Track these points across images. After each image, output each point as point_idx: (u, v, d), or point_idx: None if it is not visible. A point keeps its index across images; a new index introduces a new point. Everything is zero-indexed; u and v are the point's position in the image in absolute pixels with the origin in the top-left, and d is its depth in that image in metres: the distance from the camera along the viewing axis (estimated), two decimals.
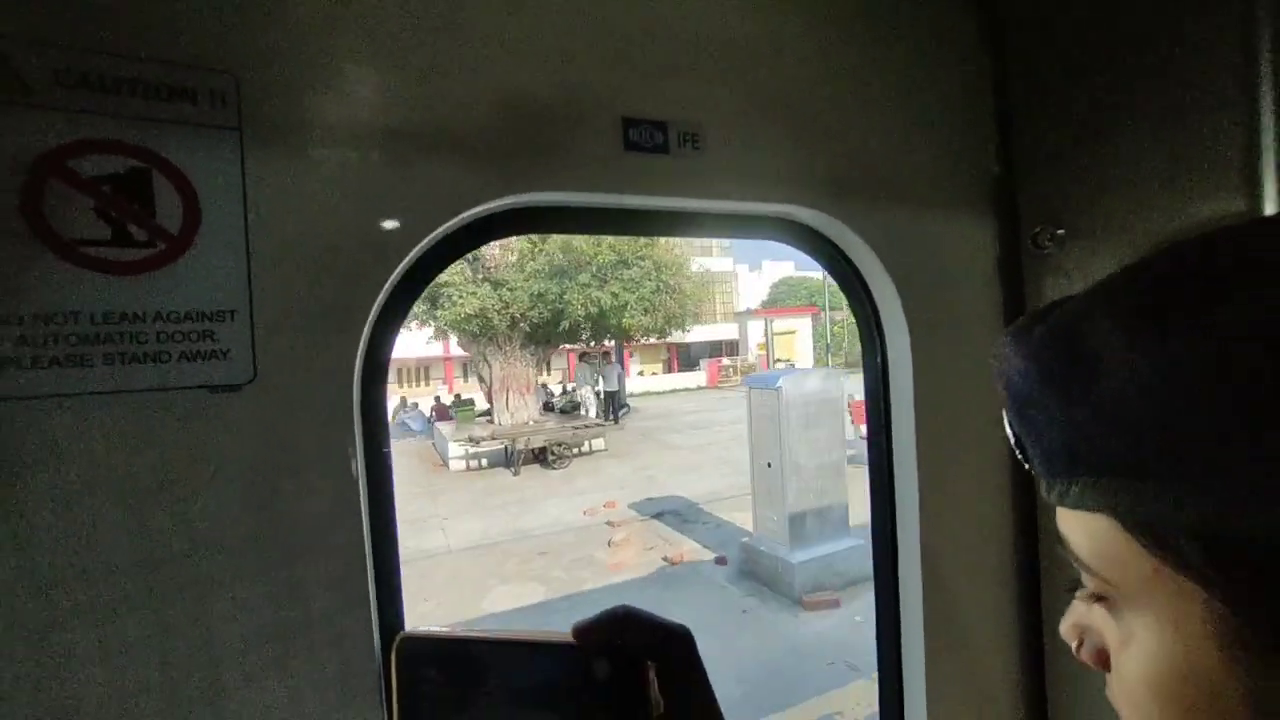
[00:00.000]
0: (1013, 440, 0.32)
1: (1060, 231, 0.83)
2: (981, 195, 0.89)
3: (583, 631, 0.35)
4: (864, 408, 0.87)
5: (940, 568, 0.82)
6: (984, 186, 0.89)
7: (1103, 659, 0.31)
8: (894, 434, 0.82)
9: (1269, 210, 0.64)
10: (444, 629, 0.42)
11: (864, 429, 1.11)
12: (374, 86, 0.54)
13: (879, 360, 0.83)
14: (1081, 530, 0.29)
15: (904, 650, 0.83)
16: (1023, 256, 0.87)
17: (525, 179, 0.61)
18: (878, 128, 0.81)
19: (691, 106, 0.67)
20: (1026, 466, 0.32)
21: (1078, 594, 0.32)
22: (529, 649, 0.38)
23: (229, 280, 0.49)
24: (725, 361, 25.99)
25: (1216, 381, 0.23)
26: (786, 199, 0.75)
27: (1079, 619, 0.32)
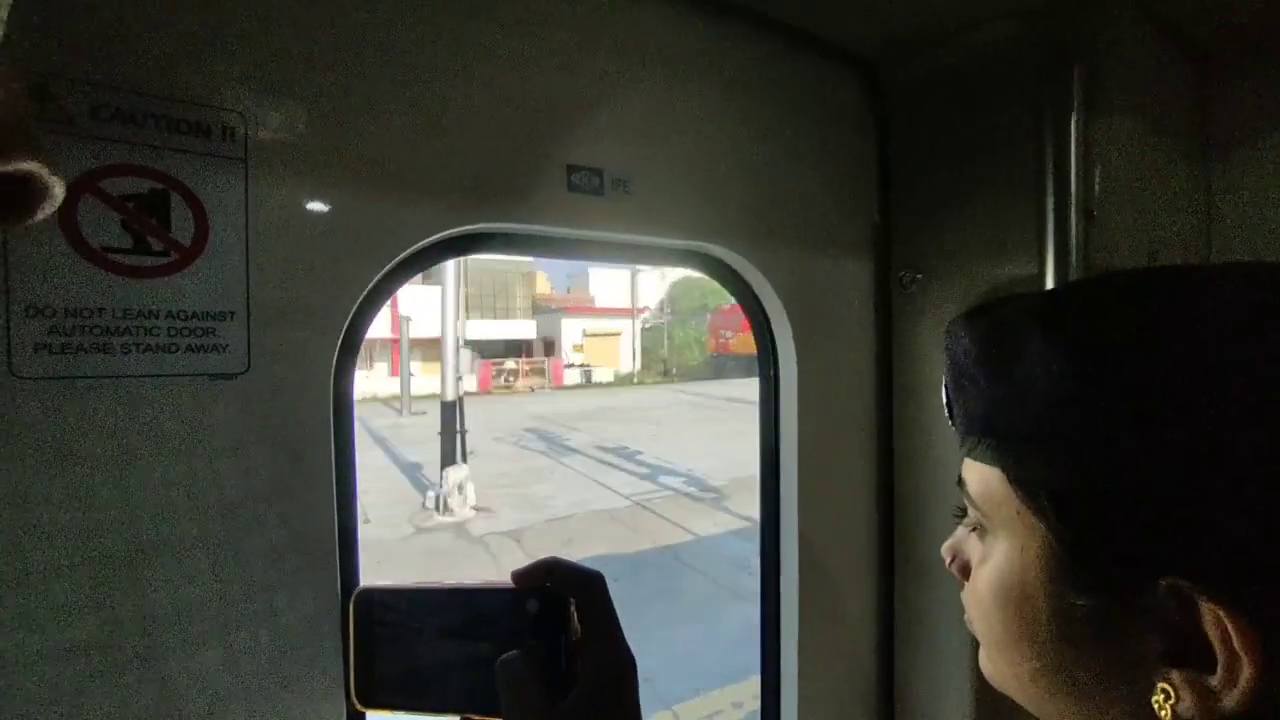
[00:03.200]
0: (945, 402, 0.40)
1: (920, 275, 1.03)
2: (863, 240, 1.08)
3: (519, 576, 0.45)
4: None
5: (814, 550, 0.99)
6: (865, 233, 1.08)
7: (966, 571, 0.40)
8: (781, 438, 0.99)
9: (1049, 269, 0.85)
10: (397, 583, 0.51)
11: None
12: (359, 126, 0.65)
13: (772, 374, 1.00)
14: (978, 477, 0.36)
15: (782, 619, 1.00)
16: (892, 294, 1.06)
17: (486, 210, 0.73)
18: (779, 179, 0.98)
19: (624, 158, 0.81)
20: (951, 424, 0.39)
21: (963, 522, 0.41)
22: (474, 594, 0.47)
23: (230, 285, 0.58)
24: (510, 365, 23.58)
25: (1091, 384, 0.30)
26: (702, 237, 0.90)
27: (957, 541, 0.42)
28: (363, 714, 0.70)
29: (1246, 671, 0.26)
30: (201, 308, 0.57)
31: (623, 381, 25.65)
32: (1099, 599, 0.31)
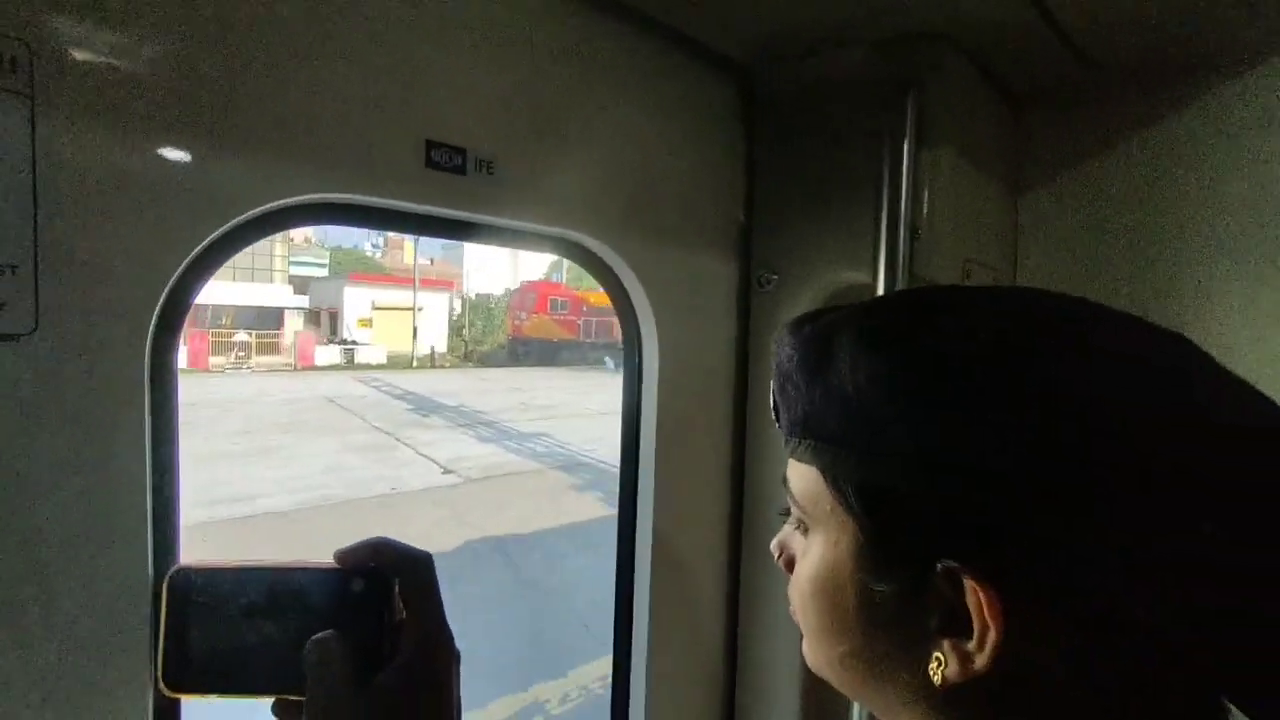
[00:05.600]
0: (772, 405, 0.42)
1: (775, 276, 1.10)
2: (728, 239, 1.14)
3: (343, 555, 0.44)
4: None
5: (668, 534, 1.04)
6: (731, 232, 1.14)
7: (791, 565, 0.43)
8: (640, 427, 1.03)
9: (880, 279, 0.95)
10: (218, 562, 0.48)
11: None
12: (188, 73, 0.60)
13: (636, 367, 1.03)
14: (799, 476, 0.40)
15: (635, 604, 1.04)
16: (751, 292, 1.14)
17: (335, 179, 0.70)
18: (651, 174, 1.01)
19: (489, 139, 0.81)
20: (777, 425, 0.41)
21: (788, 520, 0.44)
22: (297, 573, 0.45)
23: (9, 237, 0.52)
24: (244, 337, 20.37)
25: (882, 392, 0.34)
26: (570, 225, 0.92)
27: (783, 538, 0.45)
28: (174, 703, 0.65)
29: (993, 635, 0.31)
30: None
31: (400, 364, 22.66)
32: (895, 585, 0.35)
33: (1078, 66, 1.07)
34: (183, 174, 0.60)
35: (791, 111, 1.10)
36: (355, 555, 0.44)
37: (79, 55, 0.54)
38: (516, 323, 25.47)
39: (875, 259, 0.95)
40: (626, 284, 1.01)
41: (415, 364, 22.90)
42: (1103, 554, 0.31)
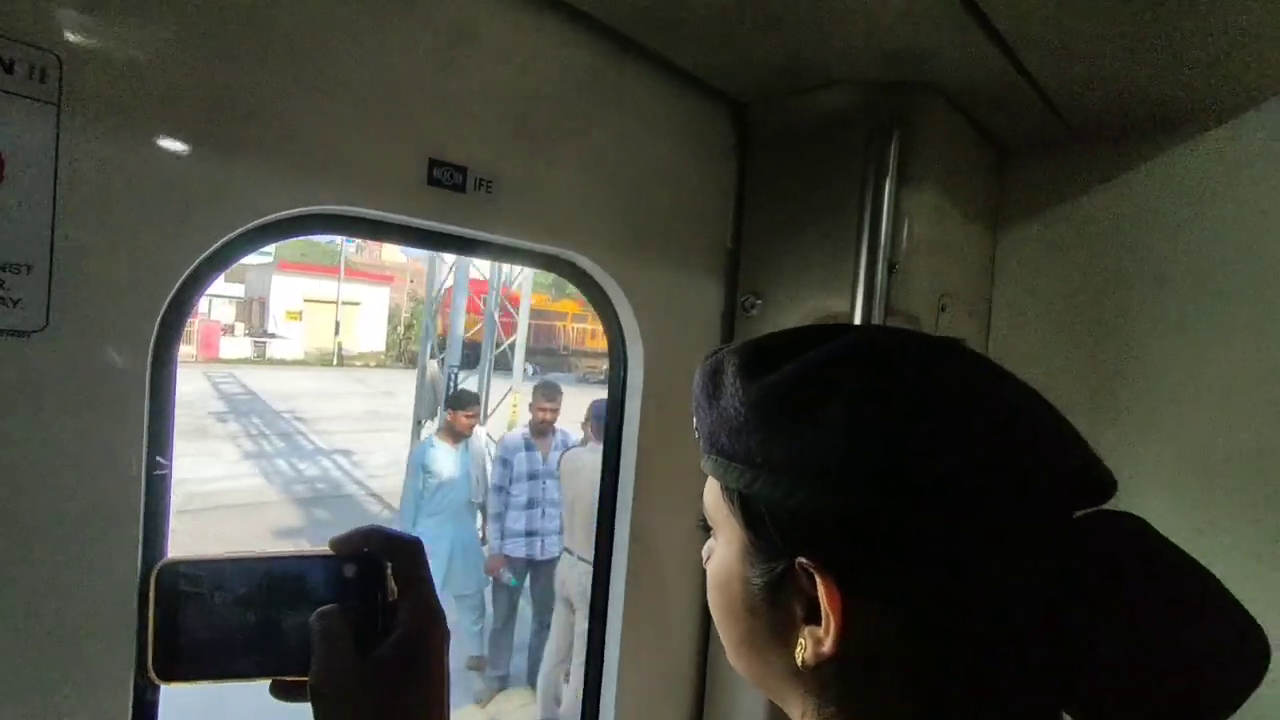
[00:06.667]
0: (694, 425, 0.48)
1: (760, 300, 1.15)
2: (716, 263, 1.18)
3: (338, 543, 0.48)
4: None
5: (644, 549, 1.07)
6: (719, 256, 1.18)
7: None
8: (623, 439, 1.06)
9: (858, 308, 0.99)
10: (207, 554, 0.50)
11: None
12: (207, 86, 0.63)
13: (621, 379, 1.07)
14: (708, 488, 0.46)
15: (609, 610, 1.07)
16: (735, 315, 1.18)
17: (340, 192, 0.73)
18: (644, 197, 1.05)
19: (489, 159, 0.84)
20: (698, 442, 0.47)
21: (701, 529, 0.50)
22: (290, 560, 0.48)
23: (28, 236, 0.54)
24: None
25: (759, 414, 0.40)
26: (564, 244, 0.95)
27: (709, 545, 0.50)
28: (154, 695, 0.67)
29: (834, 624, 0.37)
30: None
31: (319, 360, 21.21)
32: (766, 578, 0.41)
33: (1056, 121, 1.13)
34: (193, 181, 0.63)
35: (782, 144, 1.15)
36: (348, 542, 0.48)
37: (104, 66, 0.57)
38: (446, 322, 24.37)
39: (854, 289, 0.99)
40: (615, 302, 1.05)
41: (337, 362, 21.55)
42: (921, 558, 0.36)
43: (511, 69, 0.87)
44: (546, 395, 4.12)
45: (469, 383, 6.67)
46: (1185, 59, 0.90)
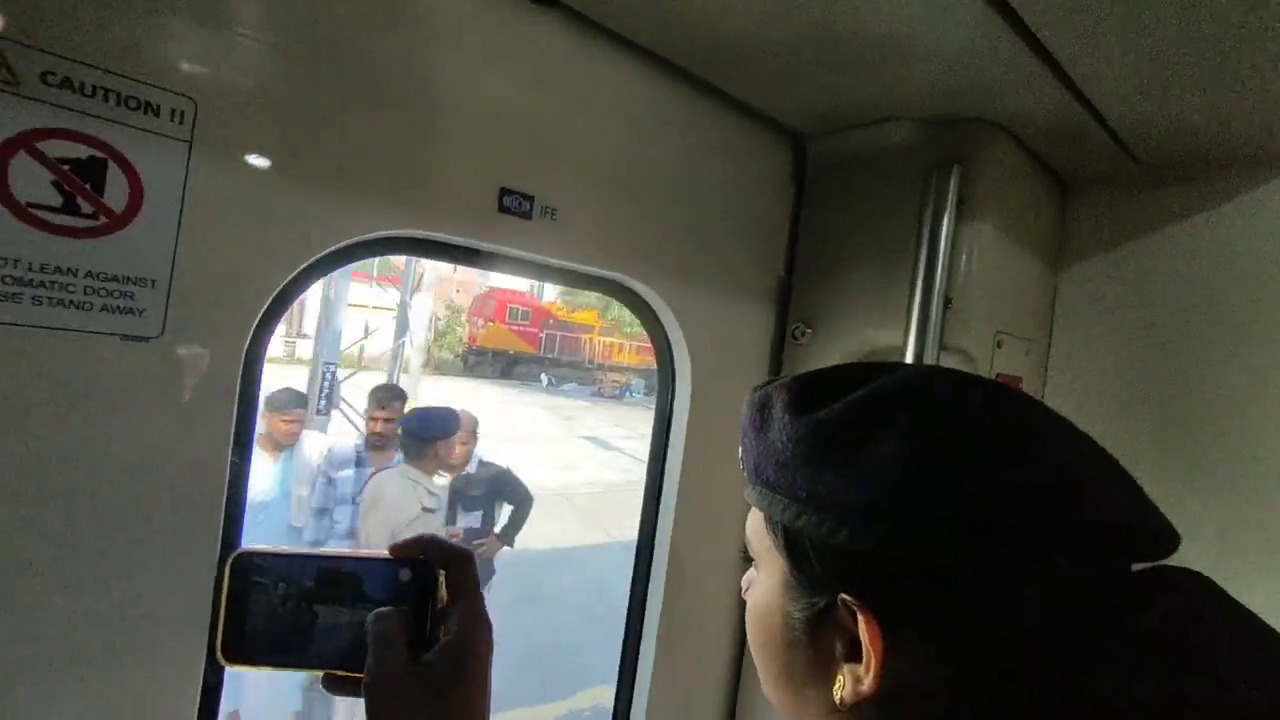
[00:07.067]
0: (740, 456, 0.48)
1: (810, 330, 1.15)
2: (768, 292, 1.19)
3: (397, 549, 0.50)
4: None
5: (683, 573, 1.09)
6: (771, 285, 1.20)
7: None
8: (668, 460, 1.08)
9: (910, 343, 0.99)
10: (279, 547, 0.52)
11: None
12: (301, 128, 0.70)
13: (669, 402, 1.09)
14: (752, 518, 0.46)
15: (646, 617, 1.08)
16: (785, 343, 1.18)
17: (419, 218, 0.79)
18: (701, 225, 1.08)
19: (555, 188, 0.89)
20: (743, 472, 0.47)
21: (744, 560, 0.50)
22: (351, 561, 0.51)
23: (156, 255, 0.61)
24: None
25: (806, 449, 0.40)
26: (621, 270, 0.99)
27: (749, 575, 0.50)
28: (220, 678, 0.72)
29: (875, 661, 0.37)
30: (123, 272, 0.60)
31: (345, 363, 20.19)
32: (808, 612, 0.41)
33: (1123, 157, 1.11)
34: (288, 208, 0.70)
35: (840, 177, 1.16)
36: (406, 548, 0.50)
37: (228, 108, 0.64)
38: (474, 330, 22.73)
39: (907, 323, 0.99)
40: (666, 326, 1.08)
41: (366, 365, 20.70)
42: (968, 599, 0.36)
43: (581, 103, 0.92)
44: (382, 400, 3.21)
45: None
46: (1261, 98, 0.87)
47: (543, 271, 0.96)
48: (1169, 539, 0.37)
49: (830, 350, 1.12)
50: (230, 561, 0.50)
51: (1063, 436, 0.39)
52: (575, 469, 10.41)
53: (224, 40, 0.64)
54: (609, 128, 0.96)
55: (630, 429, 15.02)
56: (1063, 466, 0.38)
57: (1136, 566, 0.37)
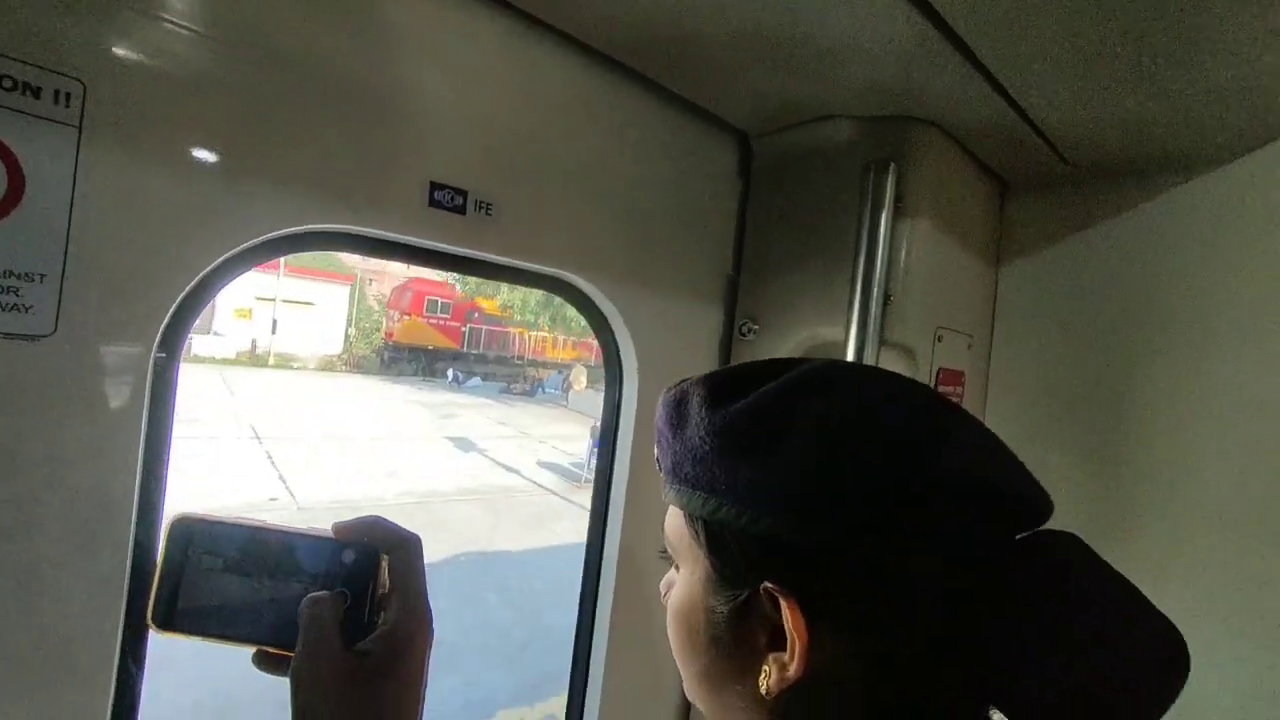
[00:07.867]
0: (656, 457, 0.48)
1: (756, 327, 1.15)
2: (715, 290, 1.19)
3: (340, 529, 0.49)
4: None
5: (633, 566, 1.07)
6: (718, 283, 1.20)
7: None
8: (615, 458, 1.07)
9: (852, 337, 0.99)
10: (220, 515, 0.49)
11: None
12: (216, 115, 0.67)
13: (616, 401, 1.08)
14: (671, 516, 0.46)
15: (596, 617, 1.07)
16: (733, 341, 1.18)
17: (344, 212, 0.76)
18: (645, 222, 1.07)
19: (490, 183, 0.87)
20: (660, 472, 0.48)
21: (664, 559, 0.50)
22: (293, 537, 0.49)
23: (43, 248, 0.57)
24: None
25: (724, 442, 0.40)
26: (563, 266, 0.97)
27: (669, 577, 0.50)
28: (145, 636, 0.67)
29: (799, 644, 0.37)
30: (3, 265, 0.56)
31: (252, 361, 19.46)
32: (730, 605, 0.40)
33: (1056, 159, 1.14)
34: (201, 199, 0.66)
35: (783, 174, 1.17)
36: (351, 529, 0.48)
37: (121, 92, 0.61)
38: (390, 324, 21.39)
39: (848, 319, 1.00)
40: (613, 324, 1.06)
41: (273, 363, 19.76)
42: (876, 581, 0.37)
43: (514, 95, 0.90)
44: None
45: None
46: (1189, 100, 0.90)
47: (481, 268, 0.94)
48: (1048, 506, 0.39)
49: (777, 346, 1.13)
50: (169, 526, 0.48)
51: (964, 421, 0.40)
52: (396, 476, 9.35)
53: (120, 19, 0.60)
54: (550, 124, 0.94)
55: (518, 427, 14.00)
56: (966, 448, 0.39)
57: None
